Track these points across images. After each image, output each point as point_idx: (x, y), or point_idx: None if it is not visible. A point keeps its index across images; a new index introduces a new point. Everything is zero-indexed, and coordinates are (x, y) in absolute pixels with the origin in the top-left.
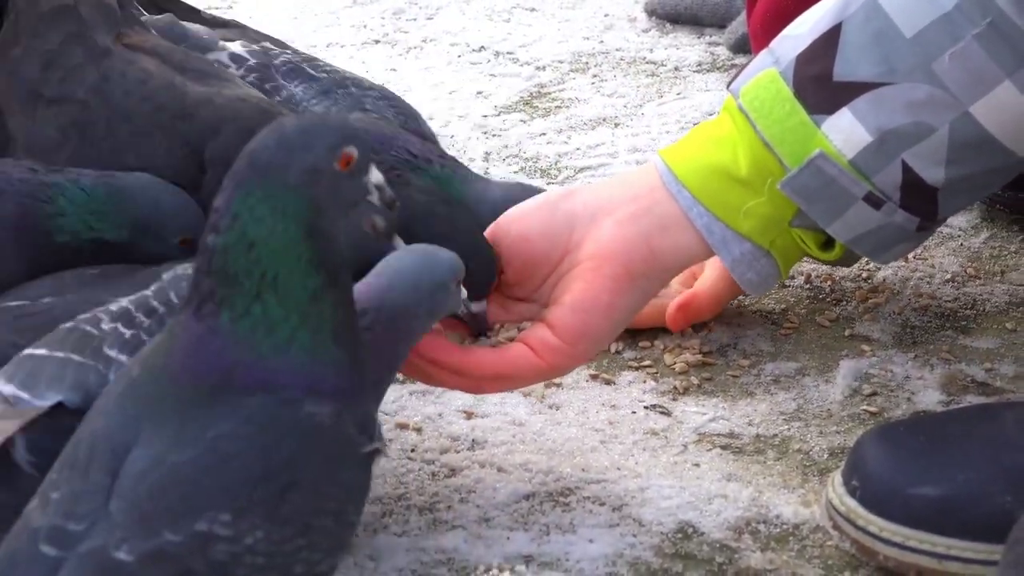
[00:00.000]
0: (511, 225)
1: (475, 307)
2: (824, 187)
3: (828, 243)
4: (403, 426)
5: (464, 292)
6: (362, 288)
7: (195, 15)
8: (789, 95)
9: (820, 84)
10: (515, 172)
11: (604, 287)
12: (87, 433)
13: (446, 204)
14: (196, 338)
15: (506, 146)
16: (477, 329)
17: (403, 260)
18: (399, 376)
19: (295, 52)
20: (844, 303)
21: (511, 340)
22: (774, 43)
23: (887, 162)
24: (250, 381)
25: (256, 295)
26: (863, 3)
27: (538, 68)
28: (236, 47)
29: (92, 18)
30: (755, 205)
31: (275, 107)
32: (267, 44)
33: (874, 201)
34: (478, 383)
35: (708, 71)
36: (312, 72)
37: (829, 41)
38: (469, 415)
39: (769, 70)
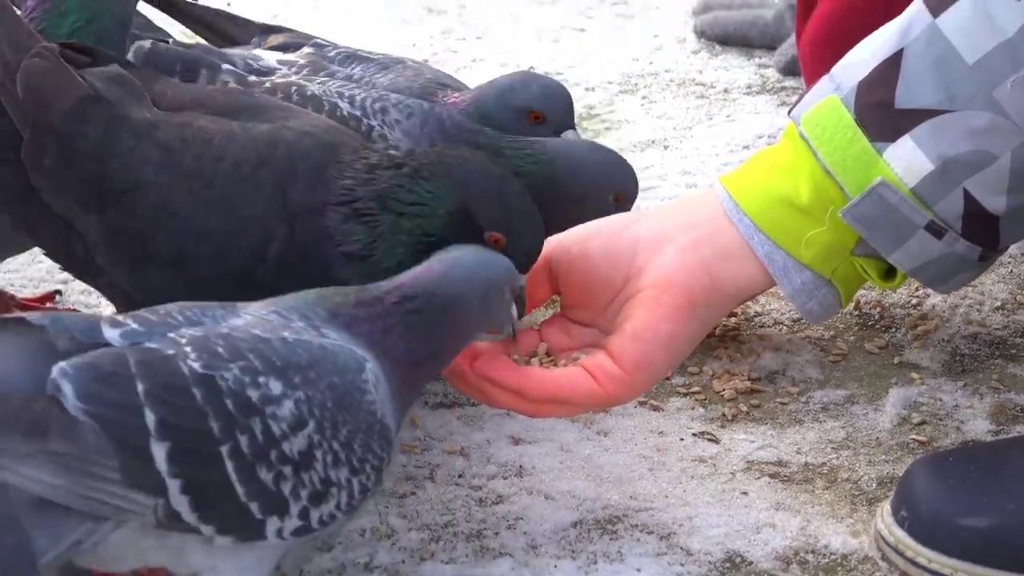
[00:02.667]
0: (573, 245)
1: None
2: (886, 216)
3: (890, 272)
4: (451, 452)
5: (516, 311)
6: (418, 272)
7: (248, 25)
8: (851, 122)
9: (882, 111)
10: None
11: (665, 316)
12: None
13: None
14: None
15: None
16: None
17: (462, 252)
18: (446, 400)
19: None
20: (893, 330)
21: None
22: (835, 69)
23: (949, 190)
24: None
25: None
26: (924, 29)
27: (587, 89)
28: (274, 57)
29: (120, 97)
30: (817, 234)
31: (338, 134)
32: (318, 40)
33: (936, 230)
34: (535, 406)
35: (758, 93)
36: (366, 55)
37: (891, 67)
38: (517, 441)
39: (830, 97)
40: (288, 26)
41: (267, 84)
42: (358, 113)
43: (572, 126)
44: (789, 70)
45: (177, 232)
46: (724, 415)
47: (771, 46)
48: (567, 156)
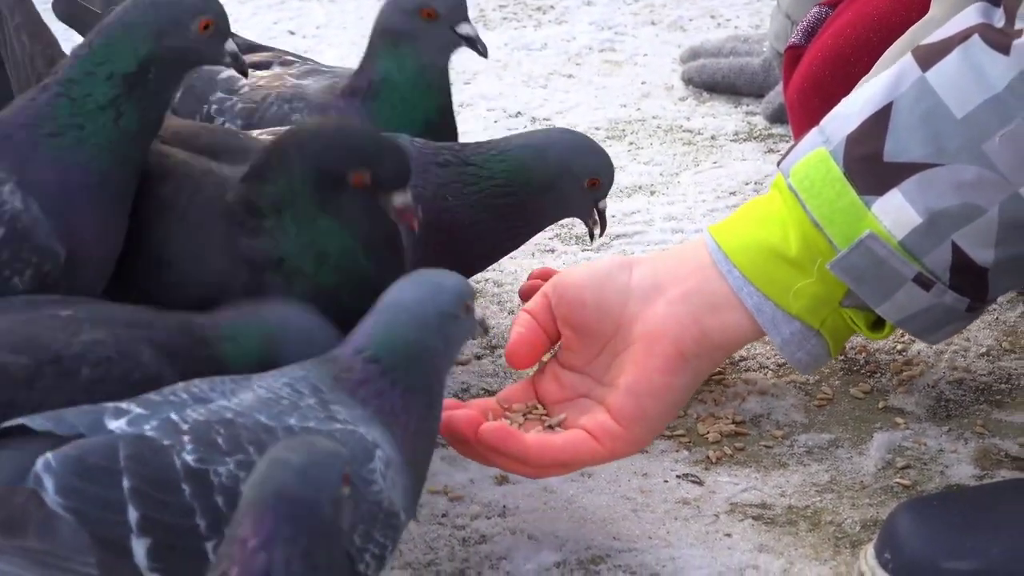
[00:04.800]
0: (567, 291)
1: (397, 200)
2: (874, 268)
3: (878, 323)
4: (434, 492)
5: (479, 313)
6: (366, 327)
7: None
8: (839, 175)
9: (870, 164)
10: (550, 238)
11: (657, 368)
12: None
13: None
14: None
15: None
16: (408, 221)
17: (404, 292)
18: None
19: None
20: (878, 375)
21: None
22: (824, 122)
23: (937, 243)
24: None
25: None
26: (913, 83)
27: None
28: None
29: None
30: (805, 285)
31: None
32: (289, 58)
33: (924, 282)
34: (539, 470)
35: (745, 140)
36: (325, 68)
37: (879, 121)
38: (500, 481)
39: (819, 150)
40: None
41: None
42: None
43: (466, 19)
44: (776, 118)
45: (145, 259)
46: (708, 457)
47: (759, 94)
48: (534, 147)
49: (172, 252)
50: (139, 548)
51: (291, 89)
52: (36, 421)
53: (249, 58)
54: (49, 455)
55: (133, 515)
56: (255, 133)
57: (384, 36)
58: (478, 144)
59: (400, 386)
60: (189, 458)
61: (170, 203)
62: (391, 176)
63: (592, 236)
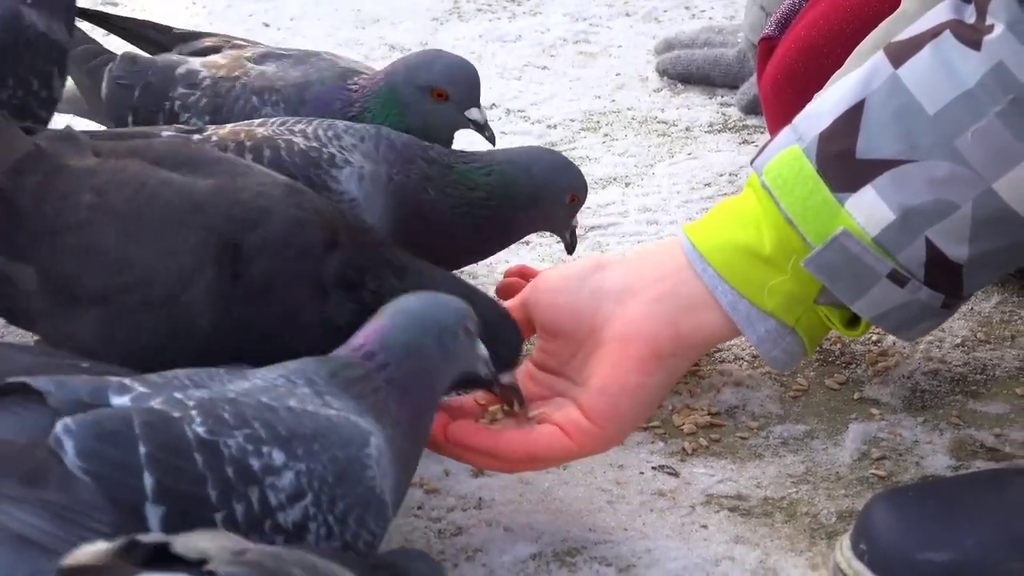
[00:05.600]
0: (541, 295)
1: (505, 378)
2: (848, 265)
3: (853, 320)
4: (410, 484)
5: (485, 352)
6: (367, 330)
7: (168, 32)
8: (812, 173)
9: (843, 161)
10: None
11: (631, 369)
12: None
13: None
14: None
15: None
16: (510, 400)
17: (408, 300)
18: None
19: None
20: (854, 366)
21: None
22: (797, 120)
23: (911, 240)
24: None
25: None
26: (885, 80)
27: (549, 126)
28: (198, 61)
29: (61, 150)
30: (779, 283)
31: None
32: (238, 41)
33: (898, 279)
34: (510, 464)
35: (720, 132)
36: (281, 52)
37: (852, 118)
38: (476, 474)
39: (792, 147)
40: (207, 31)
41: (214, 138)
42: (315, 144)
43: (477, 104)
44: (751, 109)
45: (103, 265)
46: (684, 449)
47: (733, 85)
48: (516, 162)
49: (130, 254)
50: (153, 516)
51: (258, 79)
52: (40, 382)
53: (201, 43)
54: (68, 419)
55: (149, 481)
56: (224, 130)
57: (390, 98)
58: (463, 153)
59: (394, 386)
60: (199, 429)
61: (124, 212)
62: (505, 356)
63: (570, 249)
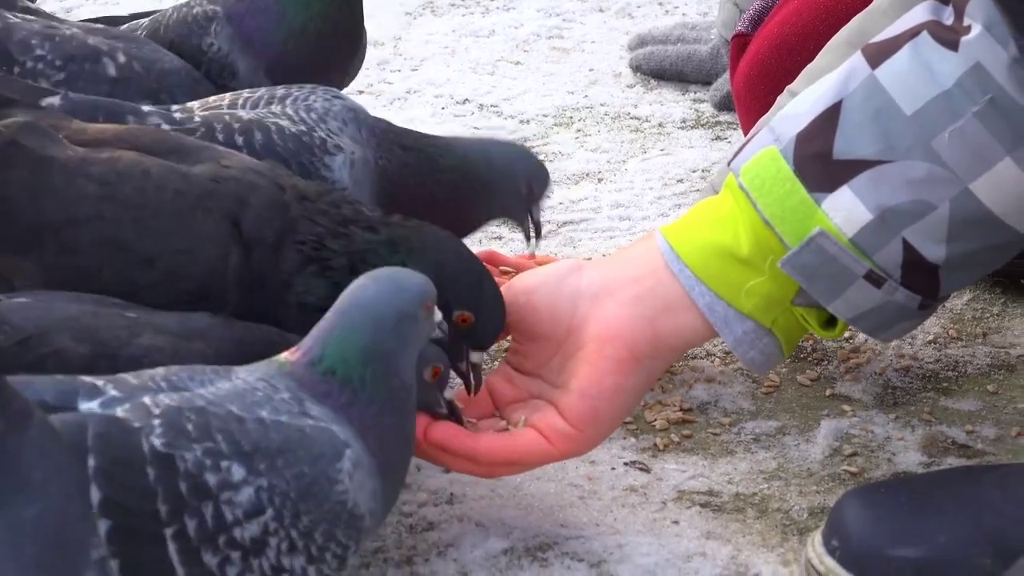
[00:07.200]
0: (520, 295)
1: (474, 356)
2: (825, 265)
3: (830, 321)
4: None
5: (439, 315)
6: (320, 335)
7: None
8: (789, 173)
9: (820, 162)
10: (497, 225)
11: (608, 370)
12: None
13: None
14: None
15: None
16: (468, 382)
17: (365, 291)
18: None
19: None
20: (825, 363)
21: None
22: (774, 121)
23: (888, 240)
24: None
25: None
26: (863, 81)
27: (522, 122)
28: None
29: (38, 141)
30: (757, 284)
31: (277, 172)
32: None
33: (875, 279)
34: (489, 468)
35: (692, 127)
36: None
37: (829, 119)
38: (448, 469)
39: (769, 148)
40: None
41: (197, 119)
42: (304, 128)
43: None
44: (724, 105)
45: (126, 262)
46: (656, 445)
47: (706, 81)
48: (478, 148)
49: (153, 250)
50: (101, 528)
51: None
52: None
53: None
54: None
55: (95, 496)
56: (195, 106)
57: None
58: (431, 136)
59: (363, 395)
60: (157, 442)
61: (138, 203)
62: (488, 335)
63: (528, 239)
